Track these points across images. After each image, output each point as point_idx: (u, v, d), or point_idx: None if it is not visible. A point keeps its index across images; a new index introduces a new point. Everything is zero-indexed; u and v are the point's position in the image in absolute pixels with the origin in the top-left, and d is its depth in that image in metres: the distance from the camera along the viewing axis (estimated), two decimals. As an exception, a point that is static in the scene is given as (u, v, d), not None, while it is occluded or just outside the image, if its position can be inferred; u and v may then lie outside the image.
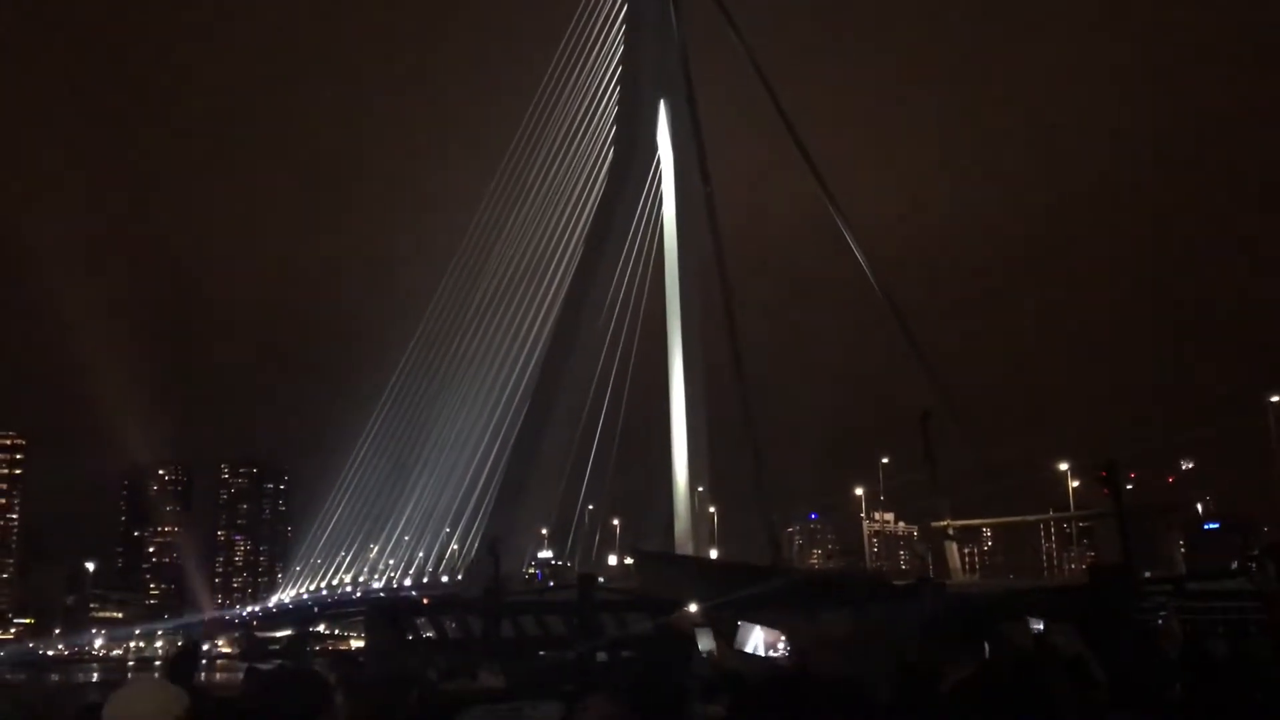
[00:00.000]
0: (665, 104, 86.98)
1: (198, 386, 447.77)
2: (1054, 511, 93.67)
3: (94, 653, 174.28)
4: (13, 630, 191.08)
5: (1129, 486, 70.11)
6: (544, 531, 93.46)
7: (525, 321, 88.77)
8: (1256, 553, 53.16)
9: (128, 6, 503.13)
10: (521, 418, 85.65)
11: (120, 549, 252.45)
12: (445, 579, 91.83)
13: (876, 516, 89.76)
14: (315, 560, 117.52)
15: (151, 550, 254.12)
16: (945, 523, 69.53)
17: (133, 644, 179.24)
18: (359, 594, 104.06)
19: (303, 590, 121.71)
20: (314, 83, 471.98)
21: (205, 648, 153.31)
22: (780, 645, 58.05)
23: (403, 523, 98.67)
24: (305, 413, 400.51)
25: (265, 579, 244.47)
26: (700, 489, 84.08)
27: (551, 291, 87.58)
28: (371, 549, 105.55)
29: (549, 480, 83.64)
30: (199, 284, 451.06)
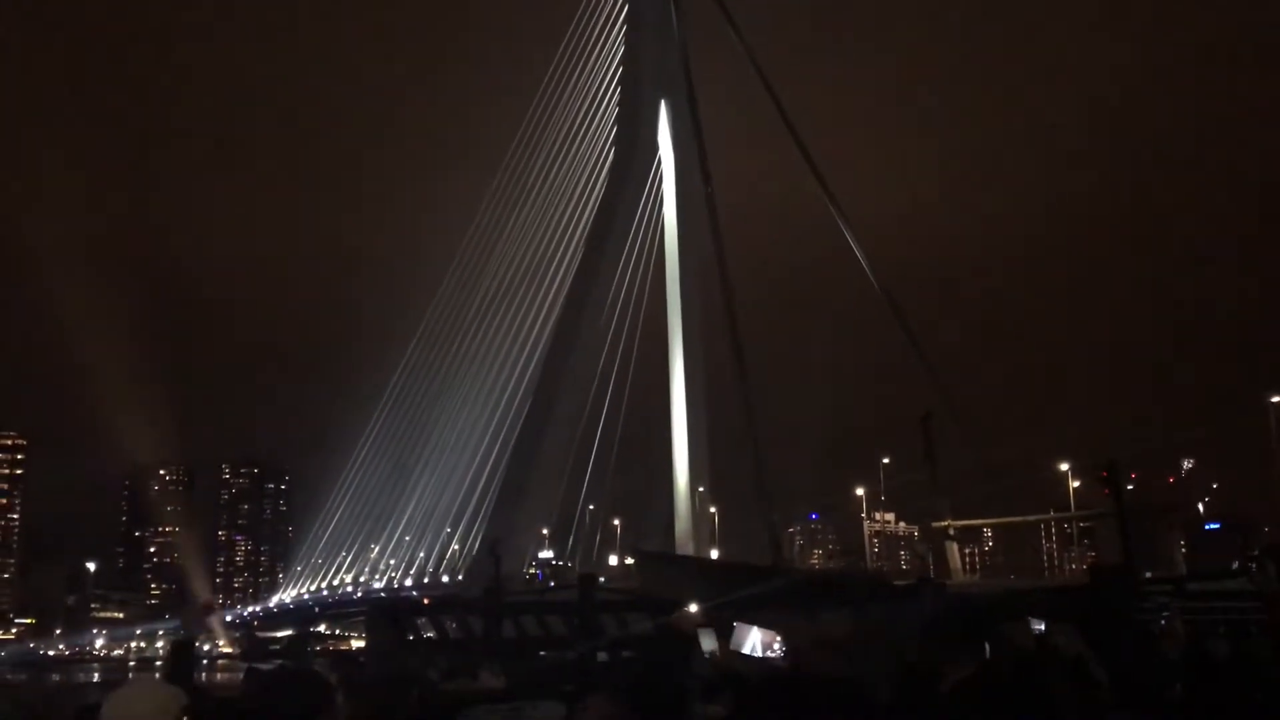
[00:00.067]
0: (666, 104, 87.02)
1: (198, 386, 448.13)
2: (1054, 512, 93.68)
3: (95, 653, 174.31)
4: (14, 630, 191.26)
5: (1129, 487, 70.20)
6: (545, 531, 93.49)
7: (526, 321, 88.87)
8: (1256, 553, 53.13)
9: (128, 6, 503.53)
10: (522, 418, 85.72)
11: (121, 549, 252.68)
12: (446, 579, 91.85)
13: (877, 517, 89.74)
14: (316, 560, 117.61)
15: (152, 550, 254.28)
16: (946, 523, 69.52)
17: (134, 644, 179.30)
18: (360, 594, 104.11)
19: (303, 590, 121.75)
20: (314, 83, 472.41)
21: (206, 648, 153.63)
22: (776, 646, 58.08)
23: (403, 523, 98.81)
24: (306, 413, 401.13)
25: (266, 579, 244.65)
26: (701, 489, 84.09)
27: (552, 292, 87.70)
28: (372, 549, 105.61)
29: (550, 480, 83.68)
30: (199, 284, 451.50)
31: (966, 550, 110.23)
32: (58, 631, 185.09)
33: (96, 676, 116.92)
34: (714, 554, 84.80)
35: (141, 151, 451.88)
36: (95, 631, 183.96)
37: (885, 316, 78.99)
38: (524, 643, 55.13)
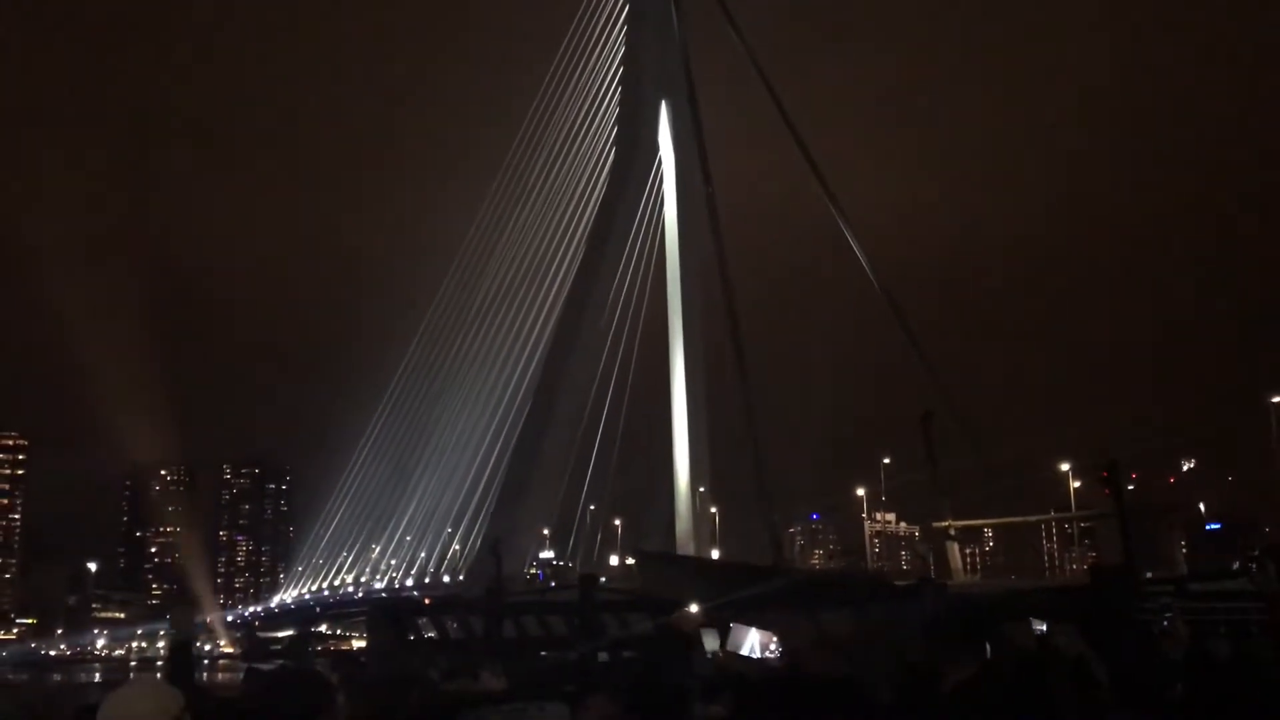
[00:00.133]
0: (667, 104, 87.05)
1: (199, 386, 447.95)
2: (1055, 512, 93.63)
3: (96, 653, 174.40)
4: (15, 630, 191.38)
5: (1130, 487, 70.15)
6: (545, 532, 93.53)
7: (527, 322, 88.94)
8: (1257, 553, 53.10)
9: (128, 6, 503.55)
10: (523, 418, 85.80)
11: (122, 549, 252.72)
12: (447, 579, 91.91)
13: (878, 517, 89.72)
14: (317, 560, 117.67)
15: (153, 550, 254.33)
16: (947, 523, 69.49)
17: (135, 644, 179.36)
18: (361, 594, 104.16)
19: (304, 590, 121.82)
20: (314, 83, 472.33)
21: (208, 648, 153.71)
22: (772, 646, 58.12)
23: (404, 523, 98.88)
24: (307, 413, 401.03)
25: (267, 579, 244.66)
26: (701, 489, 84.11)
27: (553, 292, 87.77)
28: (373, 549, 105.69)
29: (550, 480, 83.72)
30: (200, 284, 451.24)
31: (967, 550, 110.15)
32: (59, 632, 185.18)
33: (98, 677, 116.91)
34: (715, 554, 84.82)
35: (141, 151, 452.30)
36: (96, 632, 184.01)
37: (886, 316, 79.03)
38: (525, 643, 55.17)
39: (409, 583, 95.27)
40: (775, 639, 56.34)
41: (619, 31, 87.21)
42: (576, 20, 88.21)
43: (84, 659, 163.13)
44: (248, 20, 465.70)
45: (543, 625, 58.47)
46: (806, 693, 5.80)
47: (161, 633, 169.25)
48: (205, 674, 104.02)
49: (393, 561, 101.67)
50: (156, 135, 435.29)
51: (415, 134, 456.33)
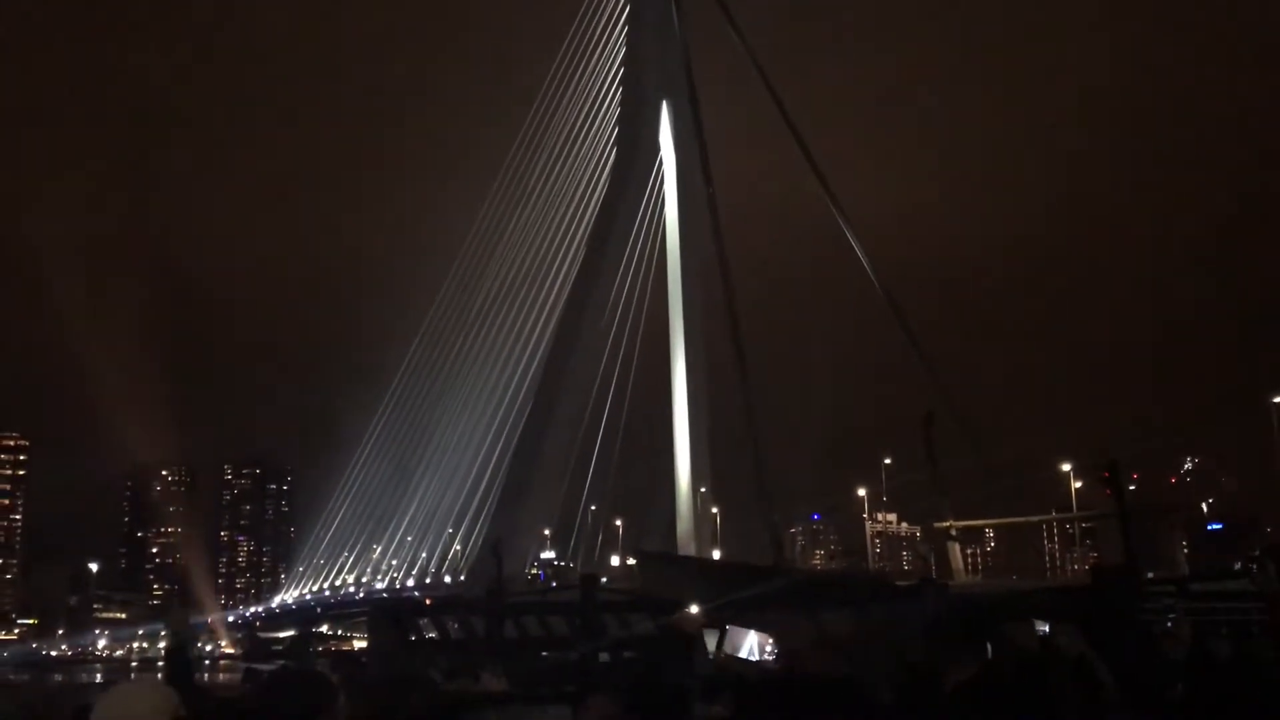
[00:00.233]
0: (667, 105, 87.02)
1: (200, 386, 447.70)
2: (1056, 512, 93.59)
3: (97, 653, 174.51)
4: (16, 631, 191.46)
5: (1131, 487, 70.11)
6: (546, 532, 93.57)
7: (528, 322, 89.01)
8: (1258, 553, 53.09)
9: (128, 6, 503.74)
10: (524, 418, 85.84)
11: (123, 549, 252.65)
12: (448, 579, 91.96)
13: (879, 517, 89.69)
14: (318, 561, 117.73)
15: (154, 551, 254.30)
16: (948, 523, 69.45)
17: (136, 644, 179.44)
18: (362, 594, 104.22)
19: (305, 591, 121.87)
20: (314, 83, 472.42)
21: (209, 648, 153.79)
22: (769, 648, 58.13)
23: (405, 523, 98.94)
24: (308, 413, 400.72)
25: (268, 579, 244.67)
26: (702, 489, 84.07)
27: (554, 292, 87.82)
28: (374, 549, 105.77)
29: (551, 481, 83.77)
30: (201, 283, 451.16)
31: (968, 551, 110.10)
32: (60, 632, 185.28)
33: (99, 677, 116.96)
34: (715, 554, 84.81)
35: (141, 151, 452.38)
36: (97, 632, 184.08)
37: (886, 316, 78.94)
38: (526, 643, 55.21)
39: (410, 583, 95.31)
40: (772, 641, 56.36)
41: (619, 32, 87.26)
42: (577, 21, 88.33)
43: (85, 659, 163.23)
44: (249, 21, 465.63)
45: (544, 626, 58.48)
46: (806, 693, 5.79)
47: (162, 633, 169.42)
48: (206, 674, 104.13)
49: (394, 562, 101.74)
50: (156, 135, 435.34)
51: (416, 134, 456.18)
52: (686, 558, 77.17)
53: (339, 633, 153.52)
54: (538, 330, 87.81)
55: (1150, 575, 56.38)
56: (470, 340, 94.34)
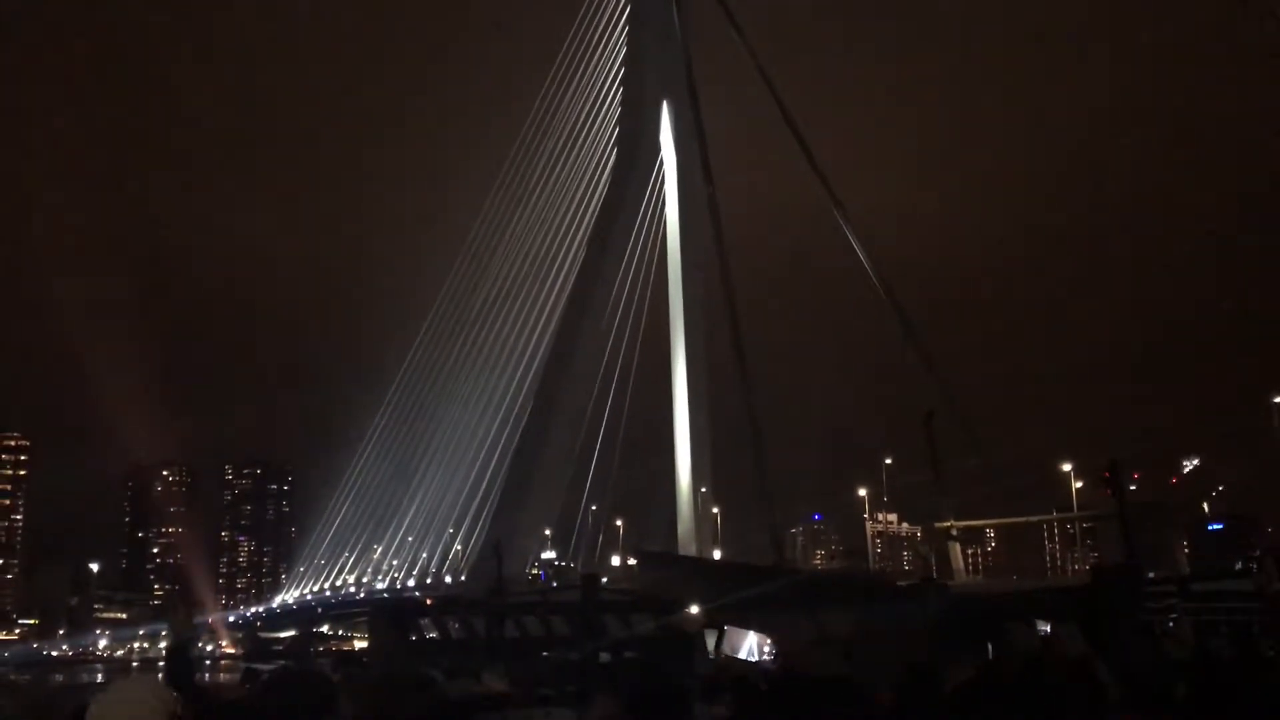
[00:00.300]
0: (668, 104, 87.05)
1: (201, 387, 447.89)
2: (1057, 512, 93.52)
3: (98, 653, 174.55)
4: (17, 631, 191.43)
5: (1132, 487, 70.02)
6: (547, 532, 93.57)
7: (529, 322, 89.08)
8: (1258, 553, 53.12)
9: (128, 6, 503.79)
10: (525, 418, 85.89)
11: (124, 550, 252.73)
12: (449, 579, 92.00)
13: (880, 517, 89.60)
14: (319, 561, 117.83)
15: (155, 551, 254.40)
16: (948, 523, 69.44)
17: (137, 645, 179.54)
18: (363, 594, 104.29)
19: (306, 591, 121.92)
20: (314, 83, 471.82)
21: (210, 648, 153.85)
22: (766, 648, 58.17)
23: (406, 523, 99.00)
24: (309, 413, 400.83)
25: (269, 579, 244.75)
26: (703, 489, 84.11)
27: (555, 292, 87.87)
28: (375, 549, 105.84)
29: (552, 481, 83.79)
30: (202, 284, 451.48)
31: (969, 551, 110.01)
32: (61, 632, 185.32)
33: (100, 677, 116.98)
34: (716, 554, 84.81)
35: (143, 151, 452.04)
36: (98, 632, 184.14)
37: (887, 315, 78.91)
38: (527, 643, 55.20)
39: (411, 583, 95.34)
40: (770, 641, 56.39)
41: (620, 32, 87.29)
42: (578, 21, 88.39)
43: (86, 659, 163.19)
44: (250, 22, 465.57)
45: (545, 625, 58.51)
46: (807, 694, 5.79)
47: (163, 633, 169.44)
48: (206, 674, 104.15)
49: (395, 562, 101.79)
50: (159, 135, 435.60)
51: (417, 134, 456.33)
52: (687, 558, 77.19)
53: (340, 633, 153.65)
54: (538, 330, 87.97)
55: (1151, 575, 56.37)
56: (471, 340, 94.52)
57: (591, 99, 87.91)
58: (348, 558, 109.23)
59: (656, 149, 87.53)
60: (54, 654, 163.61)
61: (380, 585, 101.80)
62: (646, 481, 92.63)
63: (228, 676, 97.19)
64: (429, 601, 77.94)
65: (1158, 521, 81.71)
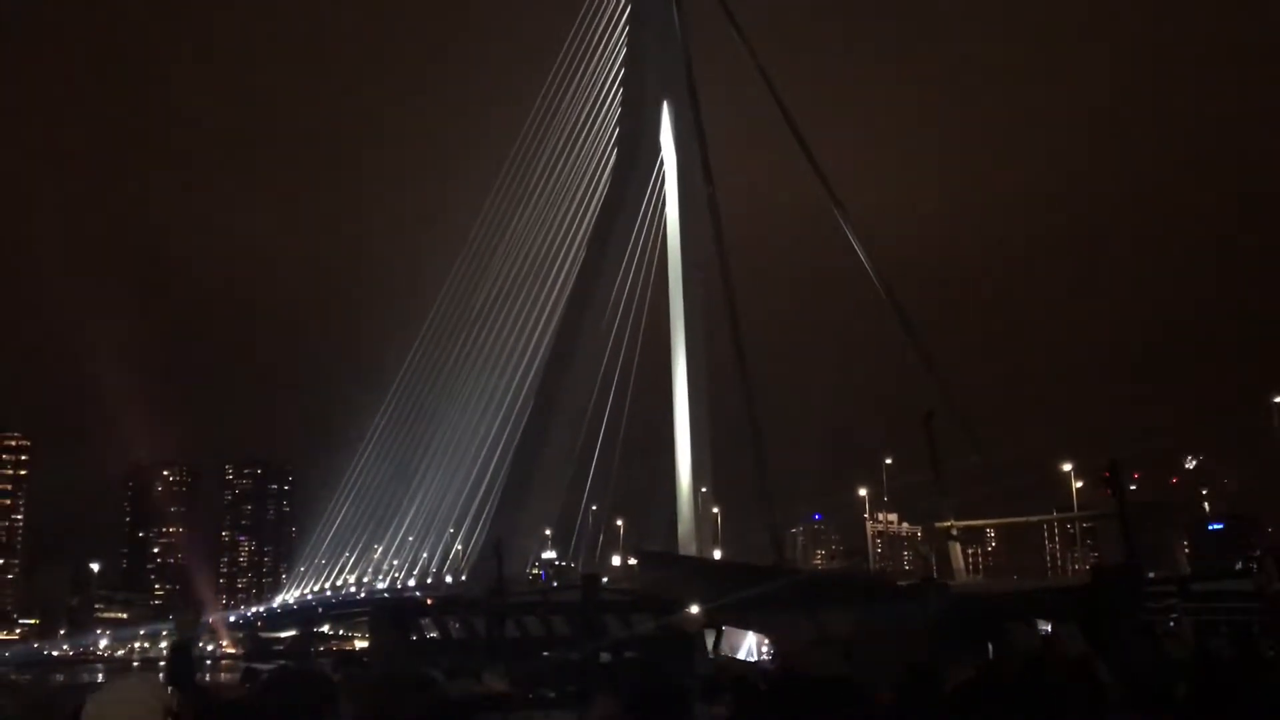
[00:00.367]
0: (668, 105, 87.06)
1: (202, 386, 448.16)
2: (1057, 512, 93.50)
3: (99, 653, 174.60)
4: (18, 631, 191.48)
5: (1132, 487, 70.07)
6: (548, 532, 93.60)
7: (529, 322, 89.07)
8: (1258, 553, 53.14)
9: (128, 7, 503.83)
10: (525, 418, 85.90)
11: (125, 549, 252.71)
12: (449, 579, 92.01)
13: (880, 517, 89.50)
14: (320, 561, 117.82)
15: (156, 551, 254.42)
16: (949, 523, 69.42)
17: (137, 644, 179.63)
18: (363, 594, 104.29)
19: (307, 591, 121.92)
20: (315, 83, 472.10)
21: (210, 648, 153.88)
22: (764, 648, 58.16)
23: (407, 523, 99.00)
24: (310, 413, 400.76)
25: (270, 579, 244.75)
26: (704, 489, 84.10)
27: (555, 292, 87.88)
28: (376, 549, 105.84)
29: (553, 481, 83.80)
30: (202, 284, 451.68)
31: (970, 551, 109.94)
32: (61, 632, 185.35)
33: (100, 677, 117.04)
34: (717, 554, 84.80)
35: (143, 151, 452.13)
36: (99, 632, 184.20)
37: (889, 316, 78.91)
38: (527, 643, 55.24)
39: (411, 583, 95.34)
40: (768, 641, 56.39)
41: (620, 32, 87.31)
42: (578, 21, 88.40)
43: (86, 659, 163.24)
44: (251, 24, 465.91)
45: (545, 625, 58.54)
46: (807, 694, 5.79)
47: (164, 633, 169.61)
48: (206, 674, 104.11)
49: (395, 562, 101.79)
50: (159, 135, 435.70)
51: (417, 134, 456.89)
52: (687, 558, 77.18)
53: (340, 633, 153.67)
54: (539, 330, 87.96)
55: (1151, 575, 56.38)
56: (471, 340, 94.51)
57: (592, 99, 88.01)
58: (348, 557, 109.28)
59: (656, 149, 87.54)
60: (54, 654, 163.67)
61: (381, 585, 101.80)
62: (646, 481, 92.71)
63: (228, 676, 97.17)
64: (430, 601, 77.97)
65: (1158, 521, 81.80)
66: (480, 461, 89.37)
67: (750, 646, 61.60)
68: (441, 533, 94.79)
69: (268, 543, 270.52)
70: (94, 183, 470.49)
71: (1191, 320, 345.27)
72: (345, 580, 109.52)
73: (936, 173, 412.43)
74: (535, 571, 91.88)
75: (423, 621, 66.62)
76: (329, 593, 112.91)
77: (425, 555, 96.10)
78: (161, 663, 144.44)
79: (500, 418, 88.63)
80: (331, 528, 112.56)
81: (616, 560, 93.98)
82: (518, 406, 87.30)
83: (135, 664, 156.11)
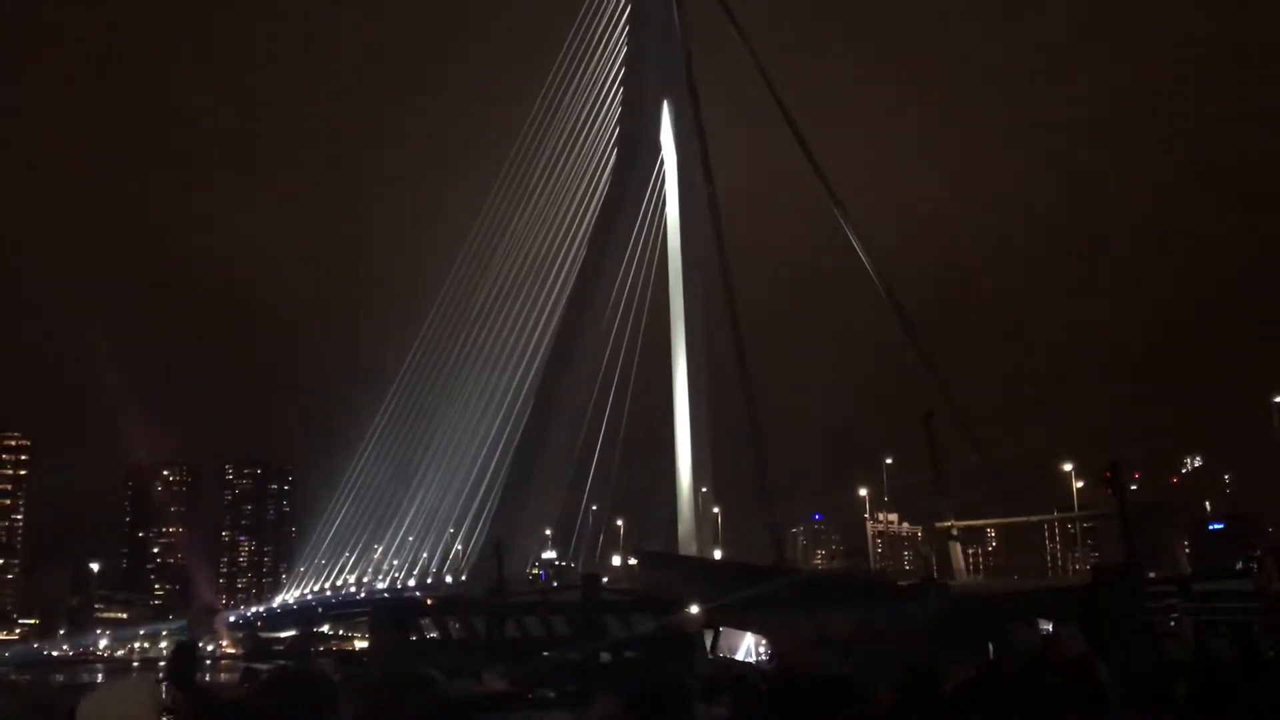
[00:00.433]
0: (669, 104, 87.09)
1: (202, 387, 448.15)
2: (1058, 512, 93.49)
3: (99, 653, 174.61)
4: (18, 631, 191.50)
5: (1133, 487, 70.02)
6: (548, 532, 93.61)
7: (529, 322, 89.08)
8: (1259, 553, 53.15)
9: (128, 6, 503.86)
10: (525, 418, 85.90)
11: (125, 549, 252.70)
12: (449, 579, 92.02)
13: (880, 517, 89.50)
14: (320, 561, 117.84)
15: (156, 551, 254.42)
16: (949, 523, 69.40)
17: (137, 644, 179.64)
18: (363, 594, 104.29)
19: (307, 591, 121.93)
20: (315, 84, 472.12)
21: (210, 648, 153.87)
22: (762, 648, 58.15)
23: (407, 523, 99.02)
24: (310, 413, 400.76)
25: (269, 579, 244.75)
26: (704, 489, 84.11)
27: (555, 291, 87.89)
28: (376, 549, 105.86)
29: (553, 481, 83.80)
30: (203, 284, 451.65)
31: (970, 551, 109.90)
32: (61, 632, 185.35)
33: (100, 677, 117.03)
34: (717, 554, 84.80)
35: (143, 151, 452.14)
36: (99, 632, 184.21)
37: (889, 316, 78.91)
38: (527, 643, 55.22)
39: (411, 583, 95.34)
40: (764, 643, 56.40)
41: (620, 32, 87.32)
42: (578, 21, 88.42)
43: (86, 659, 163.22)
44: (251, 24, 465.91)
45: (545, 625, 58.52)
46: (807, 693, 5.79)
47: (165, 633, 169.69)
48: (207, 674, 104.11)
49: (395, 561, 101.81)
50: (159, 135, 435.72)
51: (417, 134, 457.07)
52: (687, 558, 77.18)
53: (340, 633, 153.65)
54: (539, 330, 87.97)
55: (1152, 575, 56.37)
56: (471, 340, 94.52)
57: (592, 99, 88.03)
58: (348, 557, 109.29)
59: (657, 149, 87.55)
60: (54, 654, 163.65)
61: (381, 585, 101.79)
62: (646, 481, 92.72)
63: (227, 676, 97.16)
64: (429, 601, 77.95)
65: (1158, 521, 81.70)
66: (480, 461, 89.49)
67: (748, 647, 61.59)
68: (441, 533, 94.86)
69: (268, 543, 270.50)
70: (94, 183, 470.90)
71: (1191, 320, 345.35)
72: (345, 580, 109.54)
73: (936, 173, 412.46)
74: (535, 571, 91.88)
75: (423, 621, 66.59)
76: (329, 593, 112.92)
77: (425, 555, 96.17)
78: (161, 662, 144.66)
79: (500, 418, 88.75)
80: (331, 528, 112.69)
81: (616, 560, 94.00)
82: (518, 406, 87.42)
83: (135, 664, 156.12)
